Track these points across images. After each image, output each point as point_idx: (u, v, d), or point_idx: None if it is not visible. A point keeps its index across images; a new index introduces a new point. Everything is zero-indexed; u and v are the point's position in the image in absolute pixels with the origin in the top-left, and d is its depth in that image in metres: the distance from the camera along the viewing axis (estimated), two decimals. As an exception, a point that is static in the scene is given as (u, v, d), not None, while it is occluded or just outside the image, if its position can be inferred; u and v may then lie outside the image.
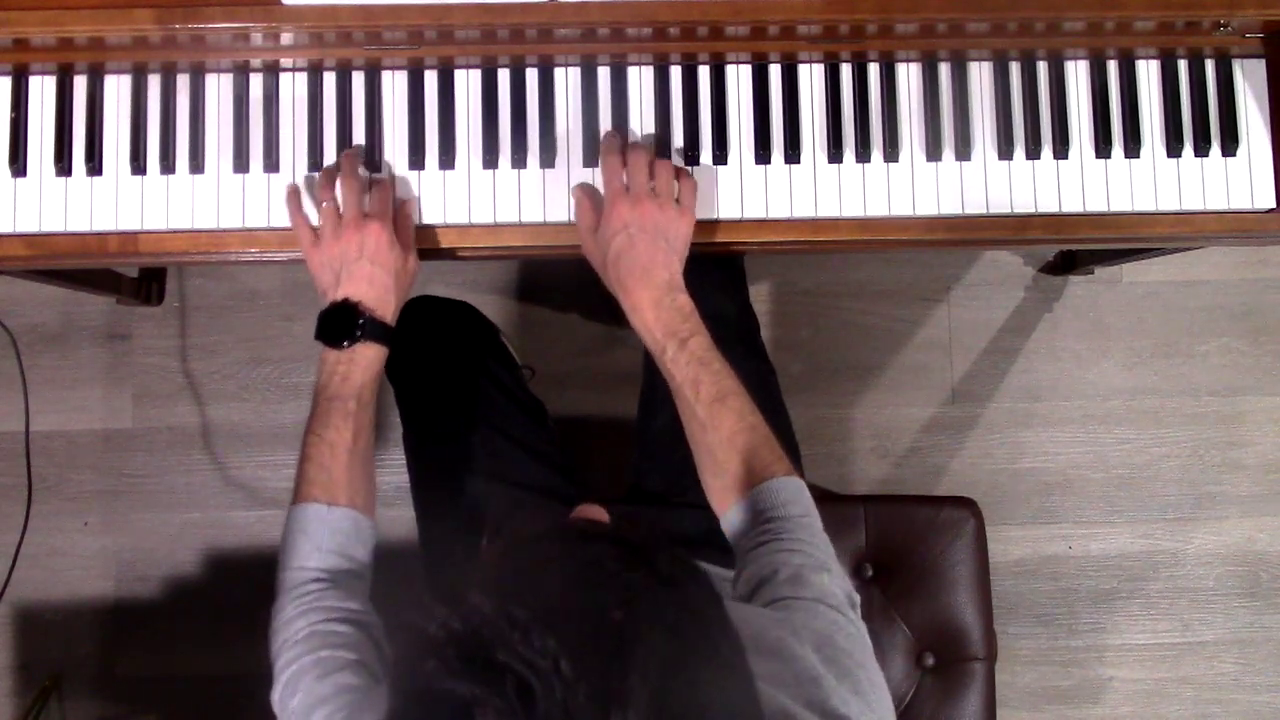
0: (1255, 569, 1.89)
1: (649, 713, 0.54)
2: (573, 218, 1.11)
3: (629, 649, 0.56)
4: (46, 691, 1.76)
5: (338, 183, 1.08)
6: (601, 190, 1.08)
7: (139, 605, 1.81)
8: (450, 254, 1.14)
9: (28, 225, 1.11)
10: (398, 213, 1.08)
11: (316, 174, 1.11)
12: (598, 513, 0.77)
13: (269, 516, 1.82)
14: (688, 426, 1.04)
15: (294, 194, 1.10)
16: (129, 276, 1.76)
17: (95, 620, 1.81)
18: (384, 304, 1.04)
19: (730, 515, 0.99)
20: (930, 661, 1.36)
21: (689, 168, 1.12)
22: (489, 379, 1.27)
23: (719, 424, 1.00)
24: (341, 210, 1.06)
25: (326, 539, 0.98)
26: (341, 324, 1.03)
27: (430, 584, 1.24)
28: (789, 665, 0.79)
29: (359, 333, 1.02)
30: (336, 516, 0.99)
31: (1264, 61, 1.14)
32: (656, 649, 0.57)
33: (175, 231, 1.12)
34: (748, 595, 0.90)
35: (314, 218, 1.10)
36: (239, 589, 1.81)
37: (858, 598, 0.90)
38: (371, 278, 1.03)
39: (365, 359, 1.03)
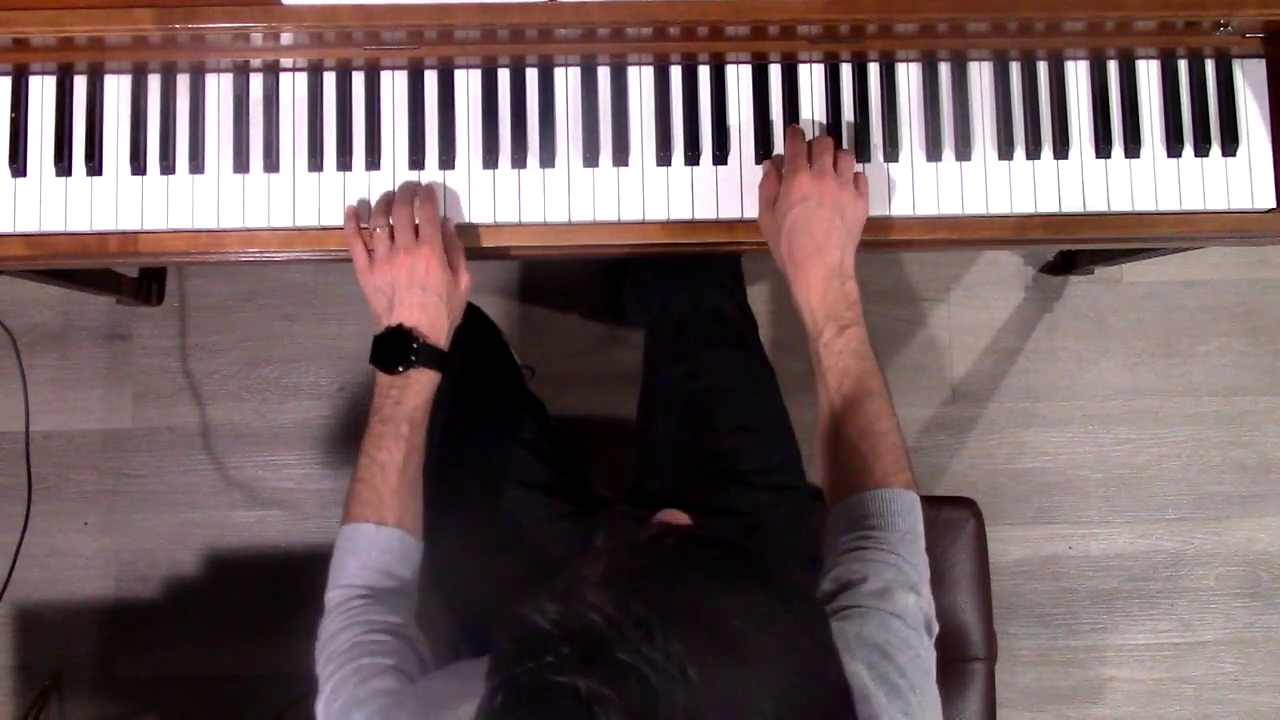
0: (1255, 569, 1.89)
1: None
2: (573, 218, 1.12)
3: (752, 661, 0.57)
4: (46, 691, 1.76)
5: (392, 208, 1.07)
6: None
7: (139, 605, 1.81)
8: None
9: (28, 225, 1.11)
10: (445, 232, 1.08)
11: (311, 175, 1.11)
12: (680, 518, 0.77)
13: (269, 516, 1.82)
14: (820, 412, 1.04)
15: (352, 216, 1.10)
16: (129, 276, 1.76)
17: (95, 620, 1.81)
18: (436, 330, 1.05)
19: (838, 511, 1.00)
20: (930, 661, 1.36)
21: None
22: (489, 379, 1.27)
23: (853, 419, 1.01)
24: (395, 236, 1.06)
25: (374, 558, 1.00)
26: (395, 350, 1.04)
27: (432, 584, 1.24)
28: None
29: (413, 358, 1.03)
30: (385, 536, 1.01)
31: (1264, 61, 1.14)
32: (777, 662, 0.58)
33: (175, 231, 1.12)
34: (832, 592, 0.90)
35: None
36: (239, 589, 1.81)
37: (937, 627, 0.90)
38: (424, 304, 1.04)
39: (418, 384, 1.04)
